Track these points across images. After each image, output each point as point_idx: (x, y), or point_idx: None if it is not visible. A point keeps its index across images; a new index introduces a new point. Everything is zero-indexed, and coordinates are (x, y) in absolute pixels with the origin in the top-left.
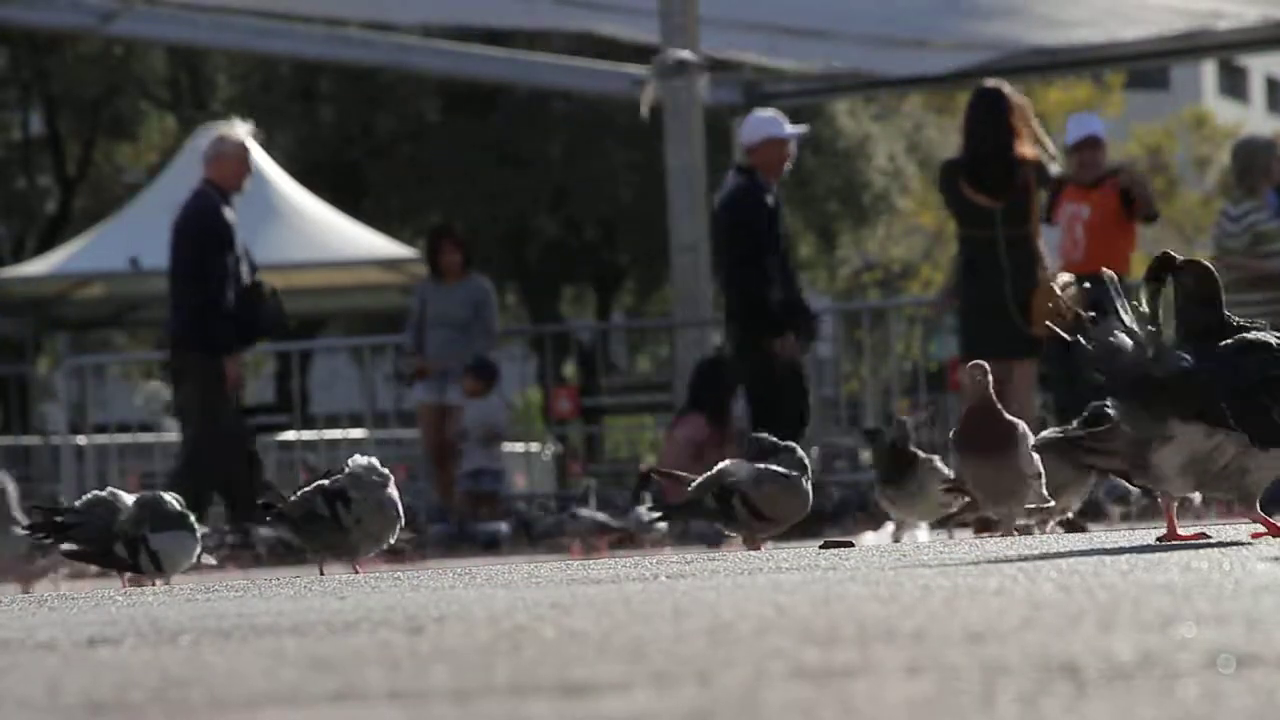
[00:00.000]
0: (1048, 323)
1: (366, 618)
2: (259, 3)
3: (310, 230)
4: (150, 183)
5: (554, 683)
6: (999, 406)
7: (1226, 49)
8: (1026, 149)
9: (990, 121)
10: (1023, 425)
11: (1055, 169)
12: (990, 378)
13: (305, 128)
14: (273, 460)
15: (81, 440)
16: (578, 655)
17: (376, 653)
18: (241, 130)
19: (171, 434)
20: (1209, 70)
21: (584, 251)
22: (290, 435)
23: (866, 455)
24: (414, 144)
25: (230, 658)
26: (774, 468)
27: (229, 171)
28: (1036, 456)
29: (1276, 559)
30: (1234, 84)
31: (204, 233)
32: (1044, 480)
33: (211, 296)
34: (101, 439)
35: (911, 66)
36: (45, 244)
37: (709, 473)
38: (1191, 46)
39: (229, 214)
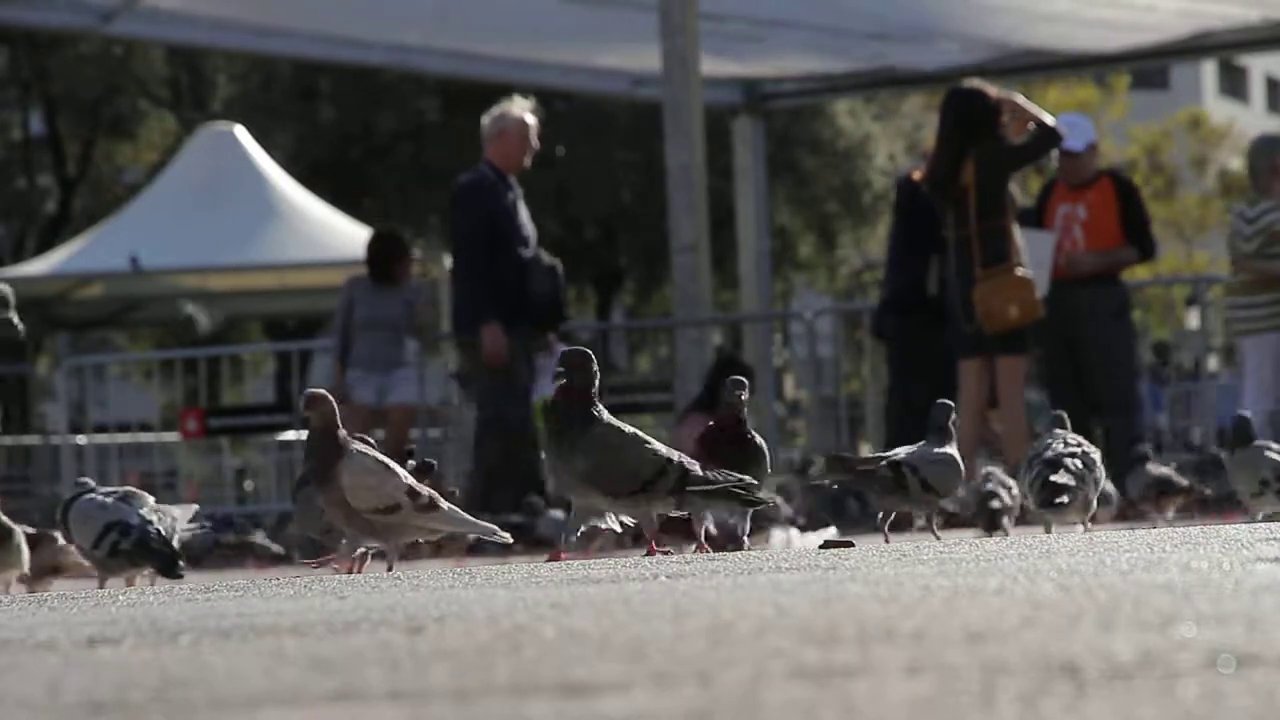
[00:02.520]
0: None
1: (366, 618)
2: (259, 15)
3: (310, 230)
4: (150, 183)
5: (554, 683)
6: (338, 433)
7: (1226, 49)
8: (971, 148)
9: (940, 125)
10: (356, 453)
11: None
12: (330, 403)
13: (305, 128)
14: (272, 460)
15: (81, 440)
16: (578, 655)
17: (376, 653)
18: (521, 107)
19: (171, 434)
20: (1209, 70)
21: (584, 251)
22: (290, 435)
23: (866, 454)
24: (414, 144)
25: (230, 658)
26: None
27: (510, 149)
28: (383, 482)
29: (1276, 559)
30: (1234, 84)
31: (478, 213)
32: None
33: (485, 276)
34: (101, 439)
35: (912, 67)
36: (45, 244)
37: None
38: (1191, 46)
39: (506, 193)
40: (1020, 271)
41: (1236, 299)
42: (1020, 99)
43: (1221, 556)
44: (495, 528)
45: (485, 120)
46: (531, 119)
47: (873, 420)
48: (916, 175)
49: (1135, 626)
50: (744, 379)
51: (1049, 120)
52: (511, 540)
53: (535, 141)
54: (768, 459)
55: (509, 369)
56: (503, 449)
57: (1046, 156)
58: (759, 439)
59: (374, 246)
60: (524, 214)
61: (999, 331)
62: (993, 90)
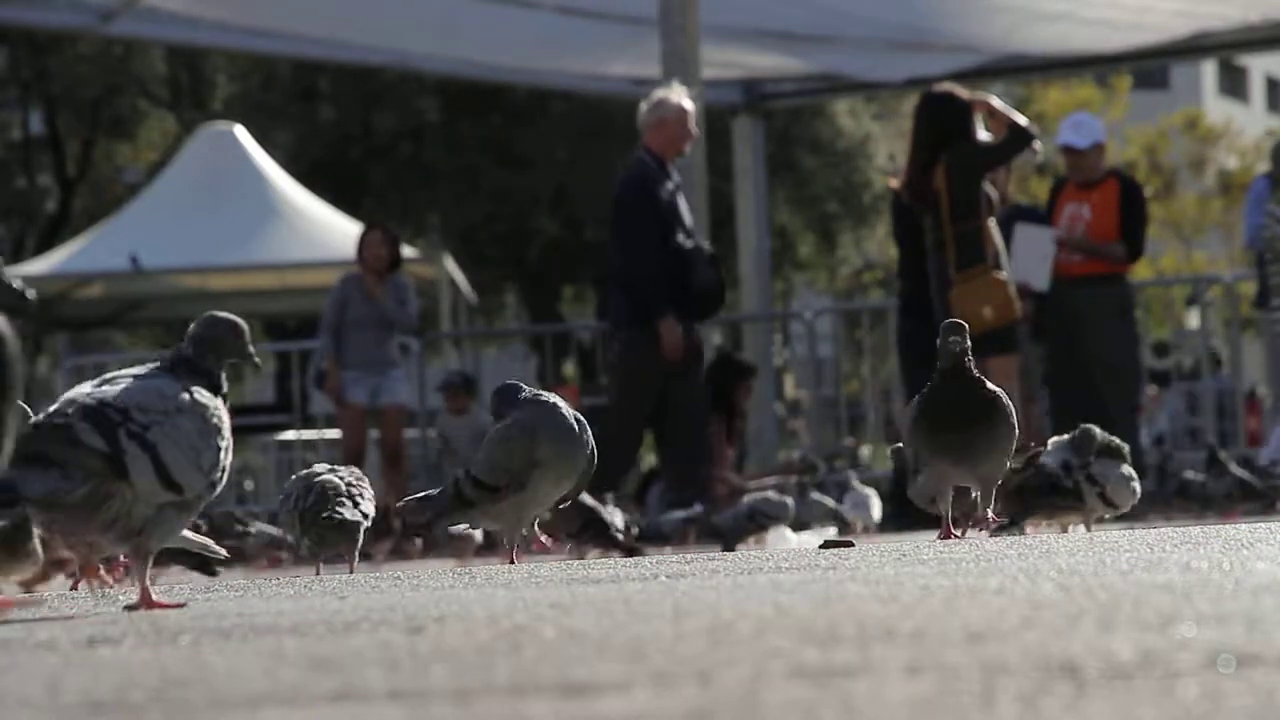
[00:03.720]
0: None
1: (366, 618)
2: (259, 16)
3: (310, 230)
4: (150, 183)
5: (554, 683)
6: None
7: (1226, 49)
8: (942, 153)
9: (913, 130)
10: None
11: (1034, 148)
12: None
13: (305, 128)
14: (272, 460)
15: None
16: (578, 655)
17: (376, 653)
18: (679, 93)
19: None
20: (1209, 70)
21: (584, 251)
22: (290, 435)
23: (866, 454)
24: (414, 144)
25: (230, 658)
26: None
27: (669, 136)
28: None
29: (1276, 559)
30: (1234, 84)
31: (636, 202)
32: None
33: (641, 267)
34: None
35: (911, 68)
36: (45, 244)
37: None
38: (1191, 46)
39: (665, 182)
40: (996, 273)
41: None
42: (994, 100)
43: (1221, 556)
44: (210, 542)
45: (643, 107)
46: (690, 105)
47: (872, 420)
48: (893, 183)
49: (1135, 626)
50: (961, 323)
51: (1021, 120)
52: (226, 555)
53: (694, 128)
54: (1013, 416)
55: (658, 366)
56: (627, 446)
57: (1032, 154)
58: (999, 392)
59: (384, 240)
60: (684, 204)
61: (975, 333)
62: (964, 93)
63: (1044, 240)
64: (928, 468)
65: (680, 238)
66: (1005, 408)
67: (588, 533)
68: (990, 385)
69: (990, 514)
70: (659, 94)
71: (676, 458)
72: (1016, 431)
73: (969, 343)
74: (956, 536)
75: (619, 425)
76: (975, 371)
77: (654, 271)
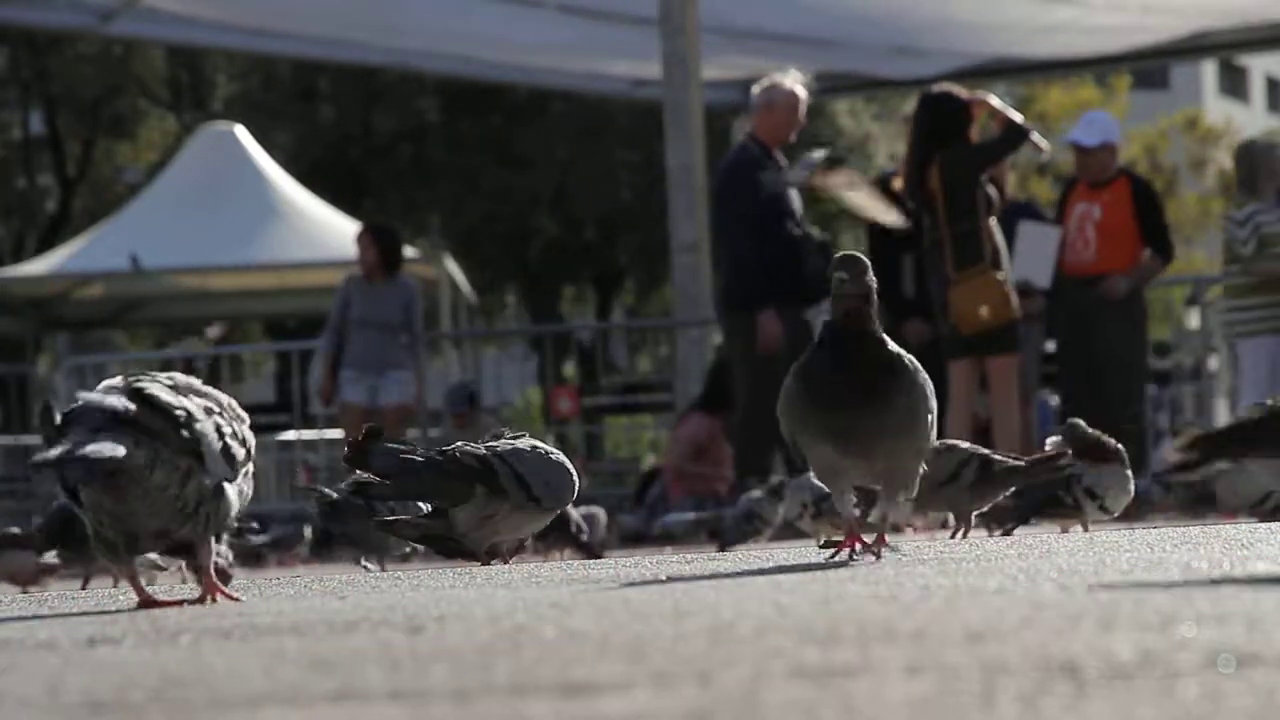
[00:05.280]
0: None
1: (366, 618)
2: (259, 17)
3: (310, 230)
4: (150, 183)
5: (554, 683)
6: None
7: (1226, 49)
8: (941, 150)
9: (911, 130)
10: None
11: (1038, 145)
12: None
13: (305, 128)
14: (272, 460)
15: None
16: (578, 655)
17: (376, 653)
18: (793, 79)
19: None
20: (1209, 70)
21: (584, 251)
22: (290, 435)
23: None
24: (414, 144)
25: (230, 658)
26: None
27: (777, 122)
28: None
29: (1276, 559)
30: (1234, 84)
31: (741, 188)
32: None
33: (749, 253)
34: None
35: (911, 68)
36: (45, 244)
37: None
38: (1191, 46)
39: (771, 168)
40: (994, 273)
41: (1233, 301)
42: (993, 99)
43: (1221, 556)
44: None
45: (754, 90)
46: (803, 91)
47: None
48: (896, 182)
49: (1135, 626)
50: (857, 255)
51: (1016, 118)
52: None
53: (804, 116)
54: (923, 387)
55: (778, 355)
56: (763, 440)
57: (1036, 151)
58: (902, 353)
59: (371, 241)
60: (793, 191)
61: (972, 333)
62: (963, 93)
63: (1047, 238)
64: (810, 457)
65: (789, 225)
66: (909, 373)
67: (553, 534)
68: (892, 344)
69: (906, 522)
70: (770, 79)
71: (749, 441)
72: (932, 411)
73: (872, 282)
74: (874, 553)
75: (757, 410)
76: (875, 325)
77: (762, 258)
